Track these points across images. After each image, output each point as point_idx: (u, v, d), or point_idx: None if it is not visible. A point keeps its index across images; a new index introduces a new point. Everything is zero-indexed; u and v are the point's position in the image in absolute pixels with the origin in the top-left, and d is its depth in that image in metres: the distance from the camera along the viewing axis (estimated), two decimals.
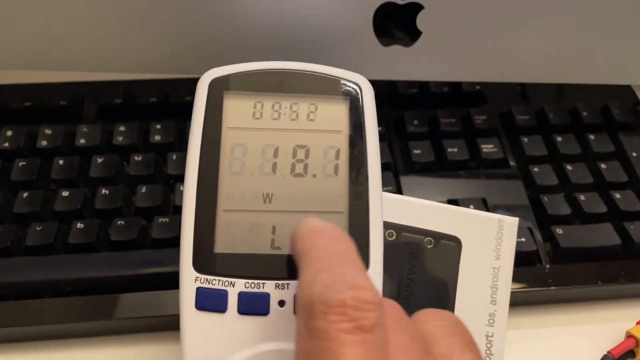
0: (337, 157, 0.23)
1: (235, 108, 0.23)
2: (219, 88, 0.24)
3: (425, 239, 0.27)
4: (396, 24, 0.34)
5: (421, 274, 0.27)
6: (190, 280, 0.21)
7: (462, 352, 0.18)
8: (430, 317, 0.19)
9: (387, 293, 0.26)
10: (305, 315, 0.16)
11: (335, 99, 0.24)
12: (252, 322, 0.21)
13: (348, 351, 0.15)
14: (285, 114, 0.24)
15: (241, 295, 0.21)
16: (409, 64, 0.34)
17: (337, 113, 0.24)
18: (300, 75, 0.24)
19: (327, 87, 0.24)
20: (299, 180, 0.23)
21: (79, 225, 0.32)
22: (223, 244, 0.22)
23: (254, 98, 0.24)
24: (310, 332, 0.16)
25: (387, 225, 0.27)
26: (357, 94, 0.24)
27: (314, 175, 0.23)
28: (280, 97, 0.24)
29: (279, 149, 0.23)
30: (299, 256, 0.19)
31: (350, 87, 0.24)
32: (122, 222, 0.32)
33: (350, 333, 0.15)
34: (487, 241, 0.27)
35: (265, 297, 0.21)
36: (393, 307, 0.18)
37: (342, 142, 0.23)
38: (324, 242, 0.18)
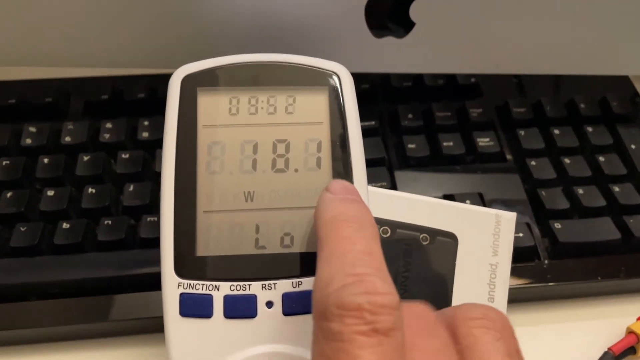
0: (318, 149, 0.22)
1: (210, 105, 0.23)
2: (192, 85, 0.23)
3: (421, 236, 0.27)
4: (389, 15, 0.33)
5: (417, 272, 0.26)
6: (172, 286, 0.21)
7: None
8: (476, 314, 0.18)
9: None
10: (320, 316, 0.16)
11: (314, 90, 0.23)
12: (240, 326, 0.20)
13: (364, 353, 0.15)
14: (262, 108, 0.23)
15: (227, 299, 0.20)
16: (403, 56, 0.33)
17: (316, 104, 0.23)
18: (275, 67, 0.23)
19: (305, 78, 0.23)
20: (281, 175, 0.22)
21: (65, 225, 0.31)
22: (205, 247, 0.21)
23: (229, 93, 0.23)
24: (325, 334, 0.15)
25: (381, 222, 0.26)
26: (336, 83, 0.23)
27: (296, 170, 0.22)
28: (257, 90, 0.23)
29: (258, 144, 0.22)
30: (318, 241, 0.18)
31: (328, 76, 0.23)
32: (110, 222, 0.31)
33: (367, 335, 0.15)
34: (484, 237, 0.26)
35: (252, 299, 0.20)
36: (424, 311, 0.17)
37: (323, 133, 0.23)
38: (346, 233, 0.17)
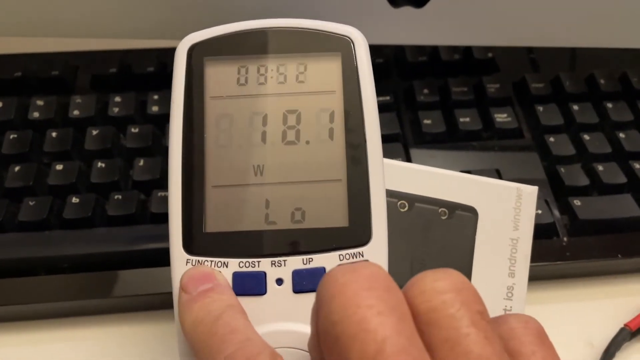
0: (331, 120, 0.21)
1: (218, 75, 0.22)
2: (198, 54, 0.22)
3: (440, 210, 0.26)
4: None
5: (435, 247, 0.26)
6: (181, 263, 0.20)
7: None
8: (427, 286, 0.15)
9: (398, 267, 0.24)
10: None
11: (326, 56, 0.22)
12: (249, 303, 0.20)
13: None
14: (272, 77, 0.22)
15: (236, 276, 0.20)
16: (421, 27, 0.33)
17: (328, 71, 0.22)
18: (285, 32, 0.22)
19: (316, 44, 0.22)
20: (292, 148, 0.21)
21: (74, 199, 0.31)
22: (214, 223, 0.20)
23: (237, 62, 0.22)
24: None
25: (399, 196, 0.26)
26: (350, 48, 0.22)
27: (308, 142, 0.21)
28: (266, 59, 0.22)
29: (267, 116, 0.21)
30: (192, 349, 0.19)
31: (341, 41, 0.22)
32: (120, 197, 0.31)
33: None
34: (504, 211, 0.26)
35: (261, 276, 0.20)
36: (380, 277, 0.15)
37: (336, 103, 0.21)
38: (205, 331, 0.18)
